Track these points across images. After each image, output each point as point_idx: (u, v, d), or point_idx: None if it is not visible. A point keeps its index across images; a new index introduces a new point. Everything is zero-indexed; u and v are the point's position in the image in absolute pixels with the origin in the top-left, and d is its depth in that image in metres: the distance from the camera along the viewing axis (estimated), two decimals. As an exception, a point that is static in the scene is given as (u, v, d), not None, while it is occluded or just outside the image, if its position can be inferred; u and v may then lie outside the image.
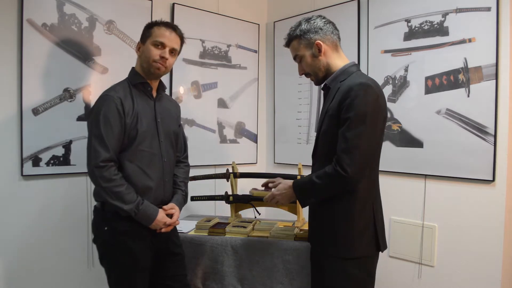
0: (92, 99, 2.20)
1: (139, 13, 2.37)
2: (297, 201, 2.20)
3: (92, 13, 2.21)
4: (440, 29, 2.11)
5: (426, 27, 2.17)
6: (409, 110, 2.22)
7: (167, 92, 2.51)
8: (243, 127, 3.03)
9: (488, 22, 1.93)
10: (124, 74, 1.74)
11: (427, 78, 2.17)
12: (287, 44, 1.62)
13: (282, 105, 3.04)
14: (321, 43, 1.51)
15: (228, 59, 2.91)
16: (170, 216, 1.70)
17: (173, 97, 2.57)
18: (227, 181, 2.41)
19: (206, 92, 2.80)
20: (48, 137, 2.08)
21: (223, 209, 2.65)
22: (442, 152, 2.11)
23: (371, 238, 1.46)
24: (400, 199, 2.29)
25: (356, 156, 1.35)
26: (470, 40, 2.00)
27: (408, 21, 2.24)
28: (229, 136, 2.94)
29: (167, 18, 2.53)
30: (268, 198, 1.65)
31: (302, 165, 2.29)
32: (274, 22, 3.06)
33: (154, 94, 1.75)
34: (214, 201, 2.74)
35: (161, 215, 1.65)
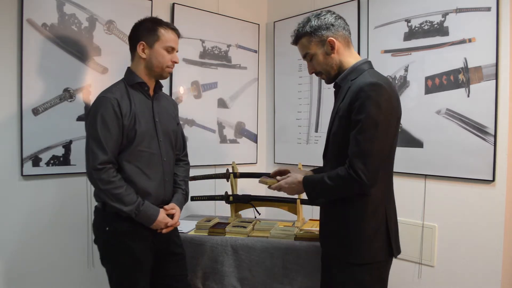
0: (92, 99, 2.18)
1: (139, 13, 2.36)
2: (297, 201, 2.22)
3: (92, 13, 2.21)
4: (440, 29, 2.11)
5: (426, 27, 2.17)
6: (409, 110, 2.22)
7: (167, 92, 2.53)
8: (243, 127, 3.03)
9: (488, 22, 1.93)
10: (124, 74, 1.74)
11: (427, 78, 2.17)
12: (295, 42, 1.53)
13: (282, 105, 3.04)
14: (334, 40, 1.44)
15: (228, 59, 2.91)
16: (171, 216, 1.70)
17: (173, 97, 2.57)
18: (227, 181, 2.41)
19: (206, 92, 2.80)
20: (48, 137, 2.08)
21: (223, 209, 2.65)
22: (442, 152, 2.11)
23: (383, 243, 1.39)
24: (400, 199, 2.27)
25: (369, 161, 1.29)
26: (470, 40, 2.00)
27: (408, 21, 2.24)
28: (229, 136, 2.94)
29: (167, 18, 2.53)
30: (274, 188, 1.58)
31: (302, 165, 2.28)
32: (274, 22, 3.06)
33: (151, 93, 1.75)
34: (214, 201, 2.74)
35: (162, 216, 1.65)
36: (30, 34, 2.00)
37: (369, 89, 1.31)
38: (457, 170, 2.06)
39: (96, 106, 1.59)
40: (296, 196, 2.23)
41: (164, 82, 1.91)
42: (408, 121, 2.24)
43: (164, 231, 1.67)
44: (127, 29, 2.31)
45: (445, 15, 2.09)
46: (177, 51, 1.72)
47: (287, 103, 3.00)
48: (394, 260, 1.48)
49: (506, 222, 1.94)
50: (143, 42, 1.66)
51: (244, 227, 2.07)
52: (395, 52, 2.30)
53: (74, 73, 2.16)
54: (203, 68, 2.77)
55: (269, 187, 1.61)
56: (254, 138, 3.11)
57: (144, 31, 1.66)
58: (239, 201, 2.33)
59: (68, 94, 2.14)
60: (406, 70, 2.25)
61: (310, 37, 1.46)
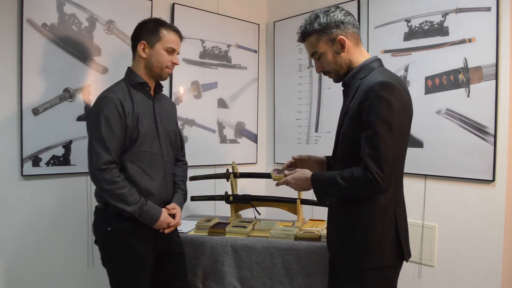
0: (92, 99, 2.19)
1: (139, 13, 2.36)
2: (297, 201, 2.22)
3: (92, 13, 2.21)
4: (440, 29, 2.11)
5: (426, 27, 2.17)
6: (409, 110, 2.22)
7: (167, 92, 2.53)
8: (243, 127, 3.03)
9: (488, 22, 1.93)
10: (124, 74, 1.74)
11: (427, 78, 2.17)
12: (302, 39, 1.46)
13: (282, 105, 3.04)
14: (344, 38, 1.38)
15: (228, 59, 2.91)
16: (172, 216, 1.71)
17: (173, 97, 2.57)
18: (227, 181, 2.41)
19: (206, 92, 2.79)
20: (48, 137, 2.08)
21: (223, 209, 2.65)
22: (442, 152, 2.11)
23: (392, 247, 1.35)
24: (400, 199, 2.29)
25: (386, 165, 1.24)
26: (470, 40, 2.00)
27: (408, 21, 2.24)
28: (229, 136, 2.94)
29: (167, 18, 2.53)
30: (281, 183, 1.53)
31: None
32: (274, 22, 3.06)
33: (152, 93, 1.75)
34: (214, 201, 2.74)
35: (164, 216, 1.66)
36: (30, 34, 2.00)
37: (380, 89, 1.26)
38: (457, 170, 2.06)
39: (99, 106, 1.59)
40: (296, 196, 2.23)
41: (164, 82, 1.91)
42: (408, 121, 2.24)
43: (166, 231, 1.68)
44: (127, 29, 2.33)
45: (445, 15, 2.09)
46: (178, 53, 1.72)
47: (287, 103, 3.00)
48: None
49: (506, 222, 1.94)
50: (144, 42, 1.66)
51: (244, 227, 2.07)
52: (395, 52, 2.30)
53: (74, 73, 2.16)
54: (203, 68, 2.77)
55: (277, 184, 1.56)
56: (254, 138, 3.11)
57: (146, 31, 1.67)
58: (239, 201, 2.33)
59: (68, 94, 2.14)
60: (406, 70, 2.25)
61: (319, 35, 1.40)
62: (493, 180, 1.95)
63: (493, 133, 1.93)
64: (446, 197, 2.13)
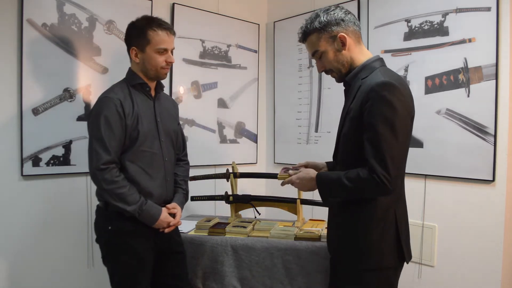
0: (92, 99, 2.20)
1: (139, 13, 2.33)
2: (297, 201, 2.22)
3: (92, 13, 2.21)
4: (440, 29, 2.11)
5: (426, 27, 2.17)
6: (409, 110, 2.22)
7: (167, 92, 2.52)
8: (243, 127, 3.03)
9: (488, 22, 1.93)
10: (124, 74, 1.74)
11: (427, 78, 2.17)
12: (303, 39, 1.45)
13: (282, 105, 3.04)
14: (345, 35, 1.37)
15: (228, 59, 2.91)
16: (172, 215, 1.71)
17: (173, 97, 2.57)
18: (227, 181, 2.41)
19: (206, 92, 2.80)
20: (48, 137, 2.08)
21: (223, 209, 2.65)
22: (442, 152, 2.11)
23: (392, 247, 1.34)
24: (400, 199, 2.29)
25: (392, 167, 1.23)
26: (470, 40, 2.00)
27: (408, 21, 2.24)
28: (229, 136, 2.94)
29: (167, 18, 2.53)
30: (286, 183, 1.53)
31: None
32: (274, 22, 3.06)
33: (153, 93, 1.75)
34: (214, 201, 2.74)
35: (164, 215, 1.66)
36: (30, 34, 2.00)
37: (381, 89, 1.25)
38: (457, 170, 2.06)
39: (99, 106, 1.59)
40: (296, 196, 2.23)
41: (164, 82, 1.91)
42: (408, 121, 2.24)
43: (166, 230, 1.68)
44: (127, 29, 2.33)
45: (445, 15, 2.09)
46: (173, 48, 1.70)
47: (287, 103, 3.00)
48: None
49: (506, 222, 1.94)
50: (135, 48, 1.65)
51: (244, 227, 2.07)
52: (395, 52, 2.30)
53: (74, 73, 2.16)
54: (203, 68, 2.77)
55: (282, 183, 1.55)
56: (254, 138, 3.11)
57: (135, 36, 1.65)
58: (239, 201, 2.33)
59: (68, 94, 2.14)
60: (406, 70, 2.25)
61: (319, 33, 1.39)
62: (493, 180, 1.95)
63: (493, 133, 1.93)
64: (446, 197, 2.13)
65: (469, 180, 2.03)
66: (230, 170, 2.40)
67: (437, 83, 2.13)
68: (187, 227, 2.15)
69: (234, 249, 1.95)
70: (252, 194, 2.37)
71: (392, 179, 1.24)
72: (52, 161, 2.10)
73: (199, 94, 2.76)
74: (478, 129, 1.98)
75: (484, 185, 1.99)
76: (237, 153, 2.96)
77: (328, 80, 2.58)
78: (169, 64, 1.69)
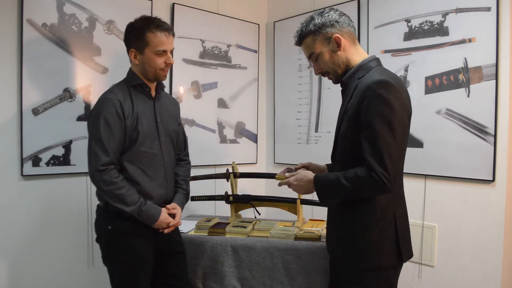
0: (92, 99, 2.20)
1: (139, 13, 2.33)
2: (297, 201, 2.22)
3: (92, 13, 2.21)
4: (440, 29, 2.11)
5: (426, 27, 2.17)
6: (409, 110, 2.22)
7: (167, 92, 2.52)
8: (243, 127, 3.03)
9: (488, 22, 1.93)
10: (124, 74, 1.74)
11: (427, 78, 2.17)
12: (299, 42, 1.47)
13: (282, 105, 3.04)
14: (340, 36, 1.39)
15: (228, 59, 2.91)
16: (172, 215, 1.71)
17: (173, 97, 2.56)
18: (227, 181, 2.41)
19: (206, 92, 2.79)
20: (48, 137, 2.08)
21: (223, 209, 2.65)
22: (442, 152, 2.11)
23: (392, 247, 1.34)
24: (400, 199, 2.29)
25: (390, 165, 1.23)
26: (470, 40, 2.00)
27: (408, 21, 2.24)
28: (229, 136, 2.94)
29: (167, 18, 2.53)
30: (283, 183, 1.53)
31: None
32: (274, 22, 3.06)
33: (153, 93, 1.75)
34: (214, 201, 2.74)
35: (164, 215, 1.66)
36: (30, 34, 2.00)
37: (377, 88, 1.26)
38: (457, 170, 2.06)
39: (99, 107, 1.59)
40: (296, 196, 2.23)
41: (164, 82, 1.90)
42: (408, 121, 2.24)
43: (166, 231, 1.68)
44: (127, 29, 2.32)
45: (445, 15, 2.09)
46: (173, 49, 1.69)
47: (287, 103, 3.00)
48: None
49: (506, 222, 1.94)
50: (134, 49, 1.65)
51: (244, 227, 2.07)
52: (395, 52, 2.30)
53: (74, 73, 2.16)
54: (203, 68, 2.77)
55: (279, 183, 1.55)
56: (254, 138, 3.11)
57: (133, 38, 1.64)
58: (239, 201, 2.33)
59: (68, 94, 2.14)
60: (406, 70, 2.25)
61: (314, 35, 1.41)
62: (493, 180, 1.95)
63: (493, 133, 1.93)
64: (446, 197, 2.13)
65: (469, 180, 2.03)
66: (230, 170, 2.40)
67: (437, 83, 2.13)
68: (187, 227, 2.15)
69: (234, 249, 1.95)
70: (252, 194, 2.37)
71: (391, 177, 1.24)
72: (52, 161, 2.10)
73: (199, 94, 2.76)
74: (478, 129, 1.98)
75: (484, 185, 1.99)
76: (237, 153, 2.96)
77: (328, 80, 2.57)
78: (169, 66, 1.68)
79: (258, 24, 3.09)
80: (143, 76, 1.68)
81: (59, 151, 2.12)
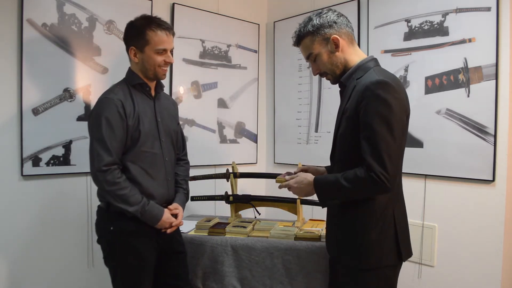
0: (92, 99, 2.20)
1: (139, 13, 2.33)
2: (297, 201, 2.22)
3: (92, 13, 2.21)
4: (440, 29, 2.11)
5: (426, 27, 2.17)
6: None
7: (167, 92, 2.53)
8: (243, 127, 3.03)
9: (488, 22, 1.93)
10: (124, 74, 1.74)
11: (427, 78, 2.17)
12: (297, 43, 1.48)
13: (282, 105, 3.04)
14: (338, 37, 1.39)
15: (228, 59, 2.91)
16: (174, 216, 1.71)
17: (173, 97, 2.56)
18: (227, 181, 2.41)
19: (206, 92, 2.80)
20: (48, 137, 2.08)
21: (223, 209, 2.65)
22: (442, 152, 2.11)
23: (391, 246, 1.35)
24: (400, 199, 2.29)
25: (389, 164, 1.24)
26: (470, 40, 2.00)
27: (408, 21, 2.24)
28: (229, 136, 2.94)
29: (167, 18, 2.53)
30: (283, 186, 1.53)
31: (302, 165, 2.28)
32: (274, 22, 3.06)
33: (153, 93, 1.75)
34: (214, 201, 2.74)
35: (166, 215, 1.66)
36: (30, 34, 2.00)
37: (376, 88, 1.27)
38: (457, 170, 2.06)
39: (100, 107, 1.59)
40: (296, 196, 2.22)
41: (164, 82, 1.91)
42: (408, 121, 2.24)
43: (168, 231, 1.68)
44: (127, 29, 2.32)
45: (445, 15, 2.09)
46: (172, 49, 1.69)
47: (287, 103, 3.00)
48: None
49: (506, 222, 1.94)
50: (134, 47, 1.65)
51: (244, 227, 2.07)
52: (395, 52, 2.30)
53: (74, 73, 2.16)
54: (203, 68, 2.77)
55: (279, 186, 1.55)
56: (254, 138, 3.11)
57: (134, 35, 1.64)
58: (239, 201, 2.33)
59: (68, 94, 2.14)
60: (406, 70, 2.25)
61: (313, 36, 1.42)
62: (493, 180, 1.95)
63: (493, 133, 1.93)
64: (446, 197, 2.13)
65: (469, 180, 2.03)
66: (230, 170, 2.40)
67: (437, 83, 2.13)
68: (187, 227, 2.15)
69: (234, 249, 1.95)
70: (252, 194, 2.37)
71: (391, 176, 1.25)
72: (52, 161, 2.10)
73: (199, 94, 2.76)
74: (478, 129, 1.98)
75: (484, 185, 1.99)
76: (237, 153, 2.96)
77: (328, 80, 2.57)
78: (168, 64, 1.68)
79: (258, 24, 3.09)
80: (143, 75, 1.68)
81: (59, 151, 2.12)
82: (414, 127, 2.21)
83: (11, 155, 1.99)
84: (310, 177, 1.45)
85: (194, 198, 2.41)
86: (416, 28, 2.21)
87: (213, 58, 2.82)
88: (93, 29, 2.22)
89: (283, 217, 2.47)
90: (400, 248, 1.36)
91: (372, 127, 1.26)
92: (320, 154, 2.69)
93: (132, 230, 1.61)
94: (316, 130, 2.79)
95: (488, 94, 1.94)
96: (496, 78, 1.92)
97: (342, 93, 1.49)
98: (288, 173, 1.59)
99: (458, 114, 2.06)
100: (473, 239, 2.03)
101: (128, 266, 1.63)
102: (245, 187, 2.73)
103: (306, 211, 2.52)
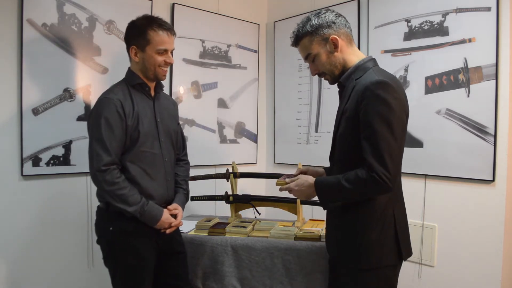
0: (92, 99, 2.20)
1: (139, 13, 2.33)
2: (297, 201, 2.22)
3: (92, 13, 2.21)
4: (440, 29, 2.11)
5: (426, 27, 2.17)
6: (409, 110, 2.22)
7: (167, 92, 2.53)
8: (243, 127, 3.03)
9: (488, 22, 1.93)
10: (124, 74, 1.74)
11: (427, 78, 2.17)
12: (295, 43, 1.48)
13: (282, 105, 3.04)
14: (337, 37, 1.39)
15: (228, 59, 2.91)
16: (174, 216, 1.71)
17: (173, 97, 2.56)
18: (227, 181, 2.41)
19: (206, 92, 2.80)
20: (48, 137, 2.08)
21: (223, 209, 2.65)
22: (442, 152, 2.11)
23: (391, 246, 1.35)
24: (400, 199, 2.29)
25: (390, 164, 1.24)
26: (470, 40, 2.00)
27: (408, 21, 2.24)
28: (229, 136, 2.94)
29: (167, 18, 2.53)
30: (283, 189, 1.52)
31: (302, 165, 2.28)
32: (274, 22, 3.06)
33: (152, 93, 1.75)
34: (214, 201, 2.74)
35: (166, 216, 1.66)
36: (30, 34, 2.00)
37: (375, 88, 1.27)
38: (457, 170, 2.06)
39: (99, 107, 1.59)
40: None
41: (164, 82, 1.91)
42: (408, 121, 2.23)
43: (168, 231, 1.68)
44: (127, 29, 2.32)
45: (445, 15, 2.09)
46: (173, 49, 1.70)
47: (287, 103, 3.00)
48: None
49: (506, 222, 1.94)
50: (134, 46, 1.65)
51: (244, 227, 2.07)
52: (395, 52, 2.30)
53: (74, 73, 2.16)
54: (203, 68, 2.77)
55: (280, 189, 1.55)
56: (254, 138, 3.11)
57: (135, 35, 1.64)
58: (239, 201, 2.33)
59: (68, 94, 2.14)
60: (406, 70, 2.25)
61: (311, 36, 1.42)
62: (493, 180, 1.95)
63: (493, 133, 1.93)
64: (446, 197, 2.13)
65: (469, 180, 2.03)
66: (230, 170, 2.40)
67: (437, 83, 2.13)
68: (187, 227, 2.15)
69: (234, 249, 1.95)
70: (252, 194, 2.37)
71: (392, 176, 1.25)
72: (52, 161, 2.10)
73: (199, 94, 2.76)
74: (478, 129, 1.98)
75: (484, 185, 1.99)
76: (237, 153, 2.96)
77: (328, 80, 2.58)
78: (168, 65, 1.68)
79: (258, 24, 3.09)
80: (143, 75, 1.68)
81: (59, 151, 2.12)
82: (414, 127, 2.21)
83: (11, 155, 1.99)
84: (310, 179, 1.45)
85: (194, 198, 2.41)
86: (416, 28, 2.21)
87: (213, 58, 2.82)
88: (93, 29, 2.22)
89: (283, 217, 2.47)
90: (400, 248, 1.36)
91: (372, 127, 1.26)
92: (320, 154, 2.69)
93: (132, 230, 1.61)
94: (316, 130, 2.79)
95: (488, 94, 1.94)
96: (496, 78, 1.92)
97: (341, 93, 1.49)
98: (287, 176, 1.59)
99: (458, 114, 2.06)
100: (473, 239, 2.03)
101: (128, 266, 1.63)
102: (245, 187, 2.73)
103: (306, 211, 2.52)
